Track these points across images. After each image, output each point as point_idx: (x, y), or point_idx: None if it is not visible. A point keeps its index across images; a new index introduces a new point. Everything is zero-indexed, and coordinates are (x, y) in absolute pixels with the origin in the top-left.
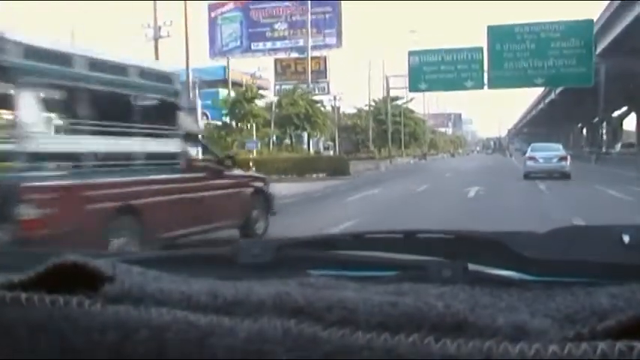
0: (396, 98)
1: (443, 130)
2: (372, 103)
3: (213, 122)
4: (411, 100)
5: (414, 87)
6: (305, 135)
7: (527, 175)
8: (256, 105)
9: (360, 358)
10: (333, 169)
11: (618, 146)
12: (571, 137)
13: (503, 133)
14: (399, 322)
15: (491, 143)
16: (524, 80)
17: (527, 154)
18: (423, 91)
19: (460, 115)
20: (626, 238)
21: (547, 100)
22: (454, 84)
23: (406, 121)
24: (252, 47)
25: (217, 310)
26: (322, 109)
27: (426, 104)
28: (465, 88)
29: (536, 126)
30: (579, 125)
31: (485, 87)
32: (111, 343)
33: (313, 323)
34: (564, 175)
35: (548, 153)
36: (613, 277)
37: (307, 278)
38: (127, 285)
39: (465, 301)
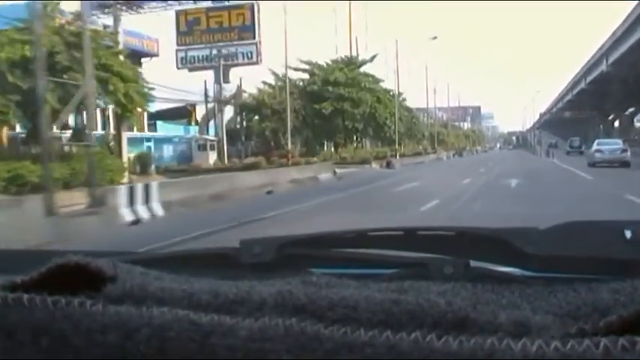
0: (360, 62)
1: (459, 124)
2: (305, 66)
3: None
4: (372, 58)
5: None
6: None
7: (593, 164)
8: None
9: (362, 355)
10: None
11: None
12: (616, 128)
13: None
14: (400, 320)
15: (513, 138)
16: None
17: (594, 148)
18: None
19: (479, 108)
20: (627, 234)
21: (589, 79)
22: None
23: (360, 94)
24: None
25: (219, 309)
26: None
27: (437, 96)
28: None
29: (569, 114)
30: (630, 111)
31: None
32: (112, 343)
33: (315, 321)
34: (625, 164)
35: (612, 146)
36: (615, 272)
37: (309, 276)
38: (129, 285)
39: (467, 298)
